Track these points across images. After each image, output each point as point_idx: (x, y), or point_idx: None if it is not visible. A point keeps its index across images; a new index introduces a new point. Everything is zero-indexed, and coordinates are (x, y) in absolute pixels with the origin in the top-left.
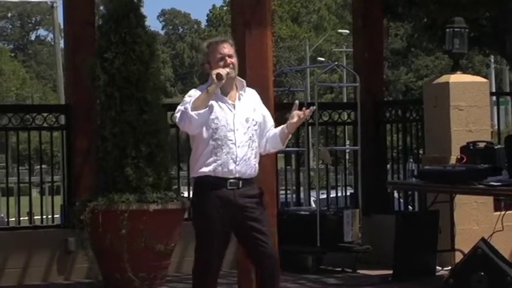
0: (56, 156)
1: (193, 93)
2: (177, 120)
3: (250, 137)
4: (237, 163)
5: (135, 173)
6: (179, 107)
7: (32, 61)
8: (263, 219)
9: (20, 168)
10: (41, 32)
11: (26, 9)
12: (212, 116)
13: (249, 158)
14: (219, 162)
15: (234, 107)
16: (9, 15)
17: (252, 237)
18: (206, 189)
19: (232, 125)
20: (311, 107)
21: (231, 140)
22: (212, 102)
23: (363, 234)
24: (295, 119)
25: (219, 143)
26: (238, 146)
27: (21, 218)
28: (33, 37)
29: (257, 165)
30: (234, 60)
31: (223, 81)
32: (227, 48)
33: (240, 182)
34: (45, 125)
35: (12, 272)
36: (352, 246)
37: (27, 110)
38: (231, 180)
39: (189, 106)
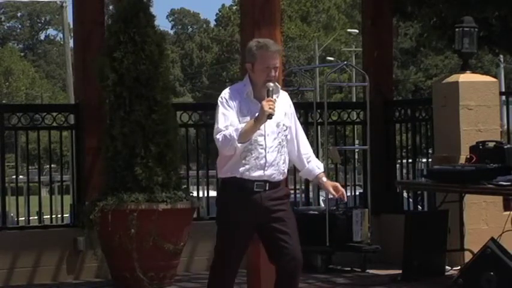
0: (65, 156)
1: (228, 98)
2: (218, 143)
3: (280, 142)
4: (266, 168)
5: (144, 172)
6: (220, 126)
7: (41, 61)
8: (287, 220)
9: (30, 167)
10: (51, 31)
11: (35, 9)
12: (243, 121)
13: (277, 163)
14: (247, 166)
15: None
16: (19, 14)
17: (275, 237)
18: (233, 190)
19: (263, 130)
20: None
21: (261, 145)
22: (244, 106)
23: (372, 234)
24: (330, 189)
25: (249, 147)
26: (268, 151)
27: (30, 218)
28: (42, 37)
29: (286, 170)
30: (278, 73)
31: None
32: (276, 59)
33: (267, 185)
34: (54, 124)
35: (22, 272)
36: (361, 245)
37: (36, 109)
38: (258, 183)
39: (235, 135)
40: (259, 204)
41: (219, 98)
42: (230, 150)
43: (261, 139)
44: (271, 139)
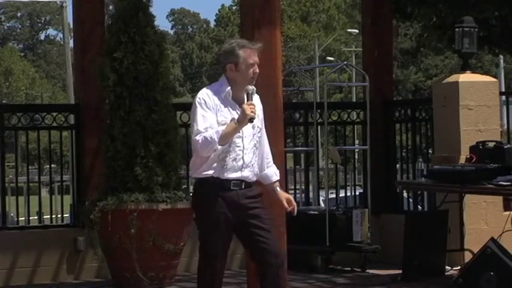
0: (65, 156)
1: (207, 99)
2: (198, 145)
3: (255, 143)
4: (243, 169)
5: (144, 172)
6: (200, 128)
7: (41, 61)
8: (264, 217)
9: (30, 167)
10: (51, 31)
11: (35, 9)
12: (222, 122)
13: (253, 165)
14: (225, 167)
15: None
16: (19, 14)
17: (254, 233)
18: (210, 190)
19: (241, 131)
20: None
21: (238, 147)
22: (223, 108)
23: (372, 234)
24: (283, 201)
25: (228, 148)
26: (245, 153)
27: (30, 218)
28: (42, 37)
29: (258, 171)
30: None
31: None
32: (257, 56)
33: (243, 184)
34: (54, 124)
35: (22, 271)
36: (361, 245)
37: (36, 109)
38: (234, 181)
39: (215, 138)
40: (236, 201)
41: (197, 99)
42: (209, 152)
43: (238, 141)
44: (248, 141)
